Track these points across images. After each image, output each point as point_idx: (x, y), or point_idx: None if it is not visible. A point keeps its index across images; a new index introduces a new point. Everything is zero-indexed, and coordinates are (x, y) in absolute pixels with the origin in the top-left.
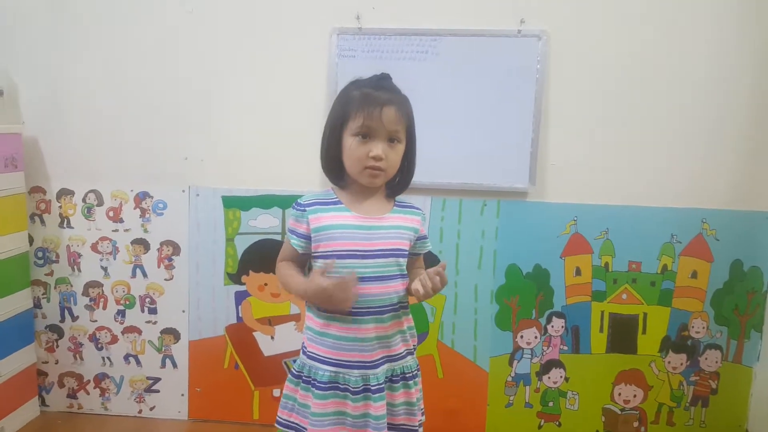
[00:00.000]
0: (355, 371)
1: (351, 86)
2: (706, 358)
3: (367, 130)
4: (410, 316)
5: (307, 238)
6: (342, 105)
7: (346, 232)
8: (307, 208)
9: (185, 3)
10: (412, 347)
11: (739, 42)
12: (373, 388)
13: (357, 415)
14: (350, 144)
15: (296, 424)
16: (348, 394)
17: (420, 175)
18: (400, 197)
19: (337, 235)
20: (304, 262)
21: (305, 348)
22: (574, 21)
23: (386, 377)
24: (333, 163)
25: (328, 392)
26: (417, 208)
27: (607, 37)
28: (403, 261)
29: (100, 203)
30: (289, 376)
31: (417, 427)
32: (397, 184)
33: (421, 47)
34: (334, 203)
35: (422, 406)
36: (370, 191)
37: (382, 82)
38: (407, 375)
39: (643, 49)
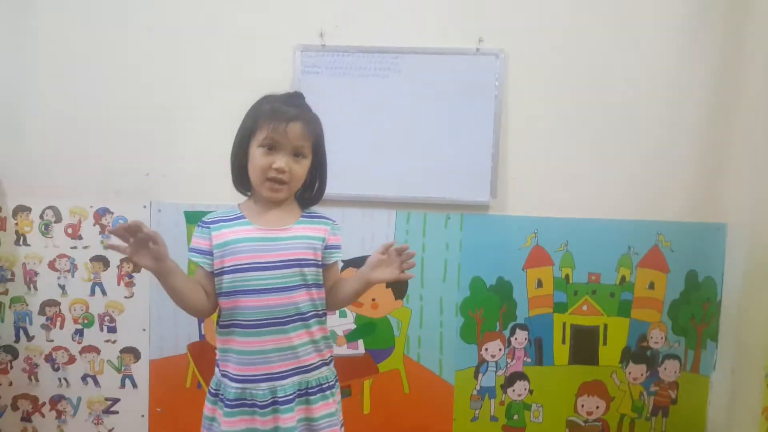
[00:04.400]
0: (263, 384)
1: (262, 100)
2: (665, 369)
3: (272, 142)
4: (325, 326)
5: (210, 253)
6: (251, 117)
7: (247, 245)
8: (210, 225)
9: (145, 19)
10: (327, 358)
11: (695, 60)
12: (280, 400)
13: (267, 430)
14: (255, 154)
15: None
16: (256, 409)
17: (385, 189)
18: (312, 209)
19: (239, 249)
20: (210, 285)
21: (218, 365)
22: (531, 40)
23: (298, 390)
24: (240, 174)
25: (236, 409)
26: (327, 219)
27: (563, 55)
28: (309, 271)
29: (58, 220)
30: (207, 395)
31: None
32: (308, 198)
33: (383, 64)
34: (238, 218)
35: (342, 419)
36: (275, 203)
37: (293, 99)
38: (324, 386)
39: (599, 66)
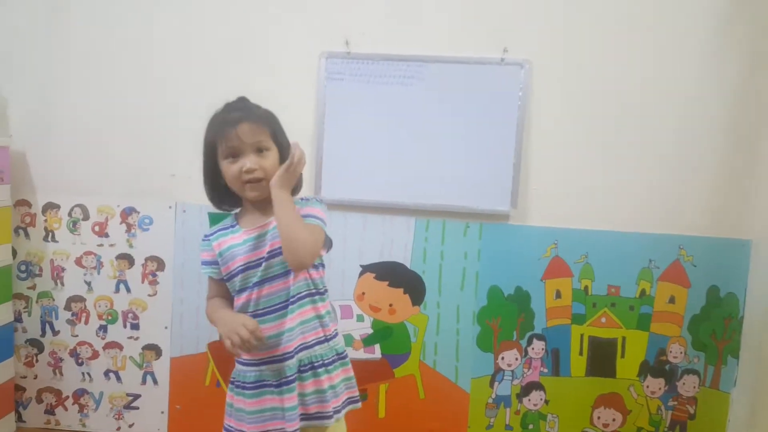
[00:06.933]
0: (273, 365)
1: (210, 120)
2: (683, 383)
3: (232, 149)
4: (326, 301)
5: (216, 263)
6: (208, 134)
7: (240, 249)
8: (210, 237)
9: (174, 24)
10: (322, 336)
11: (717, 72)
12: (283, 381)
13: (278, 408)
14: (225, 167)
15: (234, 428)
16: (273, 389)
17: (405, 196)
18: (296, 197)
19: (235, 253)
20: (229, 294)
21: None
22: (555, 51)
23: (300, 368)
24: (216, 190)
25: (257, 390)
26: (302, 198)
27: (587, 66)
28: None
29: (86, 217)
30: (230, 384)
31: (331, 413)
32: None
33: (408, 72)
34: (232, 227)
35: (344, 389)
36: (262, 203)
37: (235, 104)
38: (316, 364)
39: (622, 78)
